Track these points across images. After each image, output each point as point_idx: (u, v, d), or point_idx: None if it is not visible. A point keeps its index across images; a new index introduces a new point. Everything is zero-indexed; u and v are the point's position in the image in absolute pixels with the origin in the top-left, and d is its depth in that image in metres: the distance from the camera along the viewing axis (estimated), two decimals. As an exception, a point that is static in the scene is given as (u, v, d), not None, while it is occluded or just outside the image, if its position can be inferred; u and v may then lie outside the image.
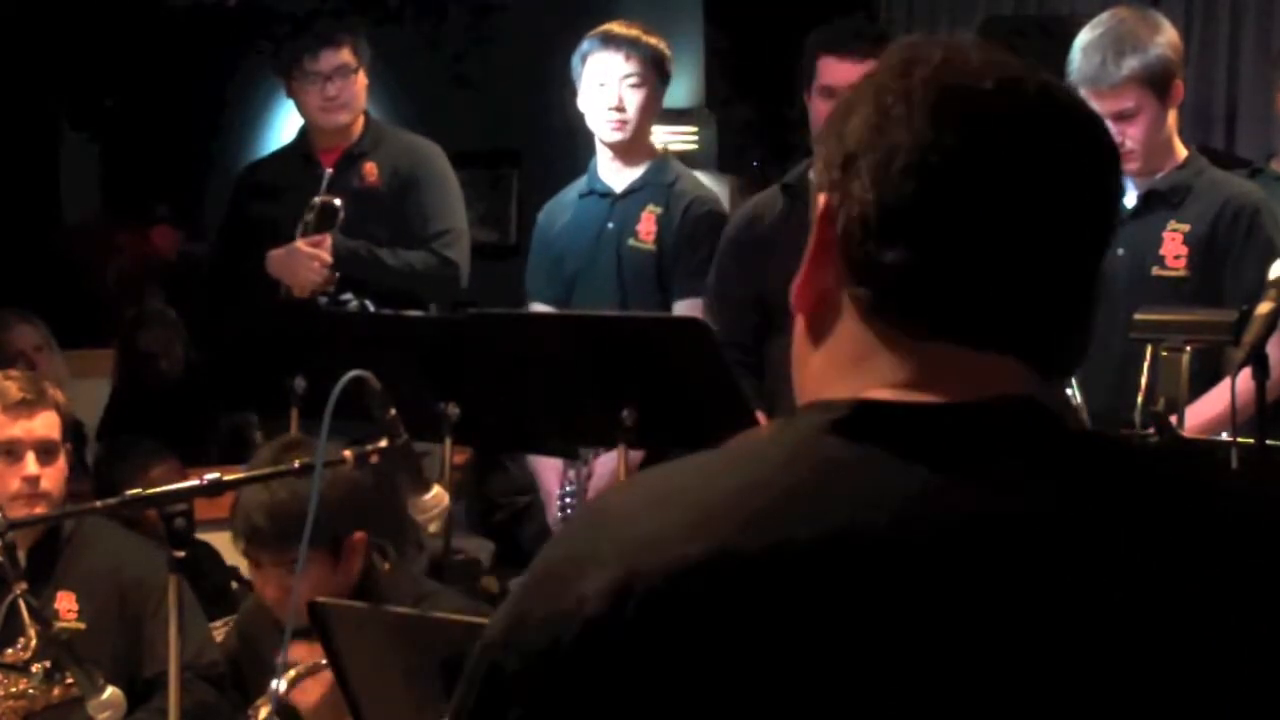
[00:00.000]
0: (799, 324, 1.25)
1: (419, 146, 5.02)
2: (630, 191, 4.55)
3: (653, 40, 4.52)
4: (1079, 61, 4.02)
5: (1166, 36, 4.06)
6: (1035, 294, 1.19)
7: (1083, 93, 4.04)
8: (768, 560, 1.11)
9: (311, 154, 4.94)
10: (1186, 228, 4.07)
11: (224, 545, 4.75)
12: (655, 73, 4.49)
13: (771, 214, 4.29)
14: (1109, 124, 4.06)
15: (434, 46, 8.31)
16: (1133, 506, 1.19)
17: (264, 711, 2.92)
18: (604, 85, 4.46)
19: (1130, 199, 4.18)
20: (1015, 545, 1.14)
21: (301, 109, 4.95)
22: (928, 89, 1.20)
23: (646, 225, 4.51)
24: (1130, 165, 4.10)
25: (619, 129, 4.48)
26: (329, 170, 4.89)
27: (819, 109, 4.22)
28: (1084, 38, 4.05)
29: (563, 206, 4.70)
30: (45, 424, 3.63)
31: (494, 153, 8.29)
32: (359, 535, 3.22)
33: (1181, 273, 4.06)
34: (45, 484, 3.59)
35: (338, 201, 4.81)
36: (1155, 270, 4.08)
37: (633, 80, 4.47)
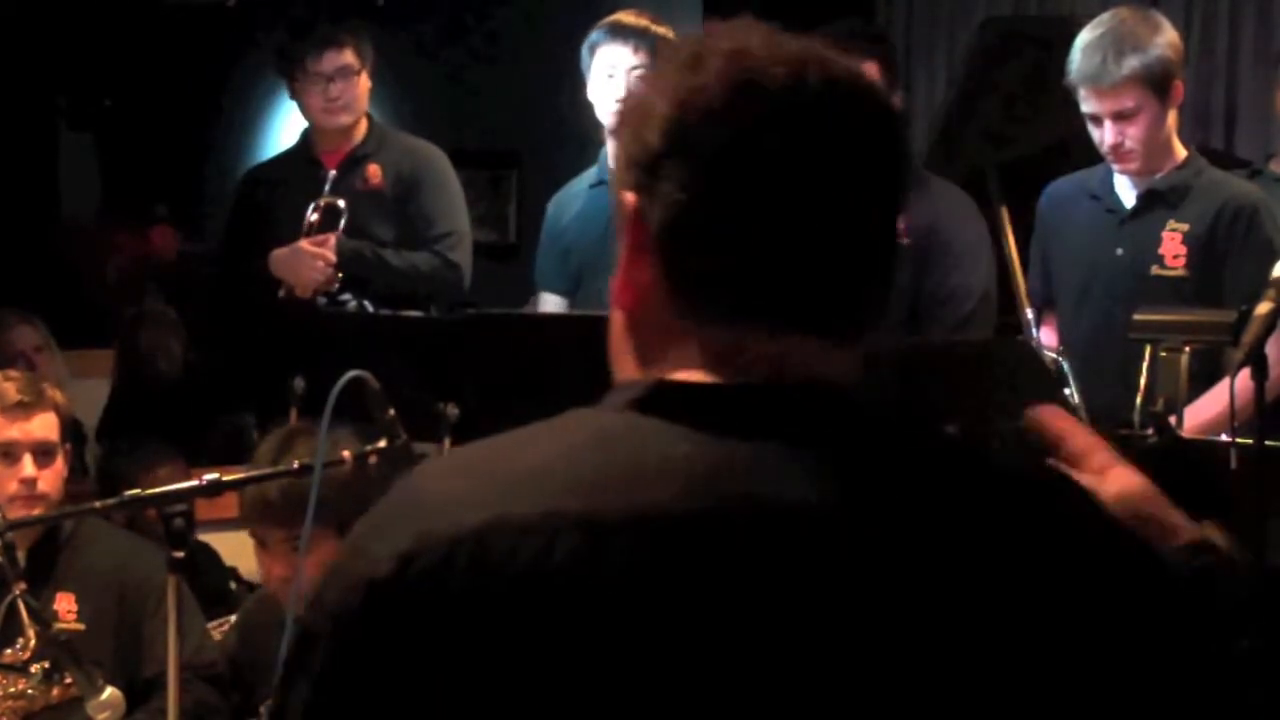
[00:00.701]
0: (617, 319, 1.33)
1: (422, 149, 5.03)
2: None
3: (661, 31, 4.52)
4: (1079, 61, 4.02)
5: (1166, 37, 4.06)
6: (835, 277, 1.25)
7: (1082, 92, 4.04)
8: (536, 527, 1.16)
9: (315, 156, 4.95)
10: (1185, 227, 4.08)
11: (223, 545, 4.75)
12: None
13: None
14: (1108, 124, 4.11)
15: (434, 46, 8.30)
16: (897, 491, 1.22)
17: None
18: (613, 76, 4.46)
19: (1129, 199, 4.18)
20: (776, 527, 1.18)
21: (304, 110, 4.96)
22: (720, 85, 1.24)
23: None
24: (1130, 165, 4.10)
25: None
26: (332, 172, 4.90)
27: None
28: (1084, 37, 4.05)
29: (573, 197, 4.70)
30: (43, 426, 3.63)
31: (494, 153, 8.29)
32: None
33: (1180, 272, 4.07)
34: (43, 485, 3.59)
35: (341, 203, 4.81)
36: (1154, 270, 4.08)
37: (641, 71, 4.45)
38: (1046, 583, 1.21)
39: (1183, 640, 1.27)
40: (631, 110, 1.28)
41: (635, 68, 4.46)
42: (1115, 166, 4.13)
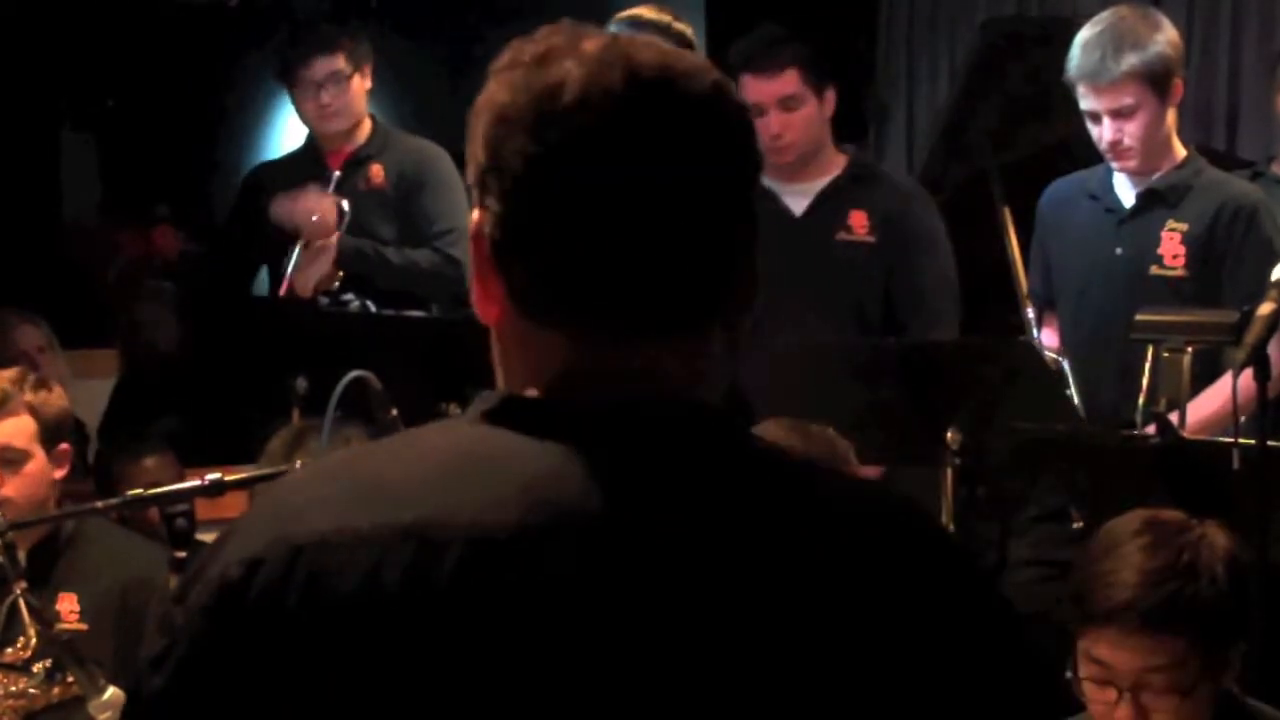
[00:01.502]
0: (493, 333, 1.35)
1: (424, 149, 5.05)
2: None
3: (681, 27, 4.56)
4: (1078, 57, 4.02)
5: (1167, 35, 4.06)
6: (652, 279, 1.24)
7: (1081, 89, 4.04)
8: (370, 539, 1.19)
9: (319, 157, 4.97)
10: (1185, 227, 4.08)
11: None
12: None
13: None
14: (1107, 120, 4.11)
15: (434, 46, 8.30)
16: (696, 500, 1.22)
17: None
18: None
19: (1128, 198, 4.18)
20: (579, 539, 1.19)
21: (300, 116, 4.98)
22: (522, 95, 1.25)
23: None
24: (1128, 162, 4.10)
25: None
26: (336, 173, 4.92)
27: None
28: (1084, 34, 4.05)
29: None
30: (9, 431, 3.59)
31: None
32: None
33: (1179, 272, 4.07)
34: (6, 491, 3.55)
35: (345, 204, 4.82)
36: (1154, 269, 4.08)
37: None
38: (845, 596, 1.22)
39: (982, 637, 1.27)
40: (472, 121, 1.30)
41: None
42: (1114, 164, 4.12)
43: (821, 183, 4.48)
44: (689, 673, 1.18)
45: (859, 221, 4.46)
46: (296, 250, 4.79)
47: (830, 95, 4.43)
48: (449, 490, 1.21)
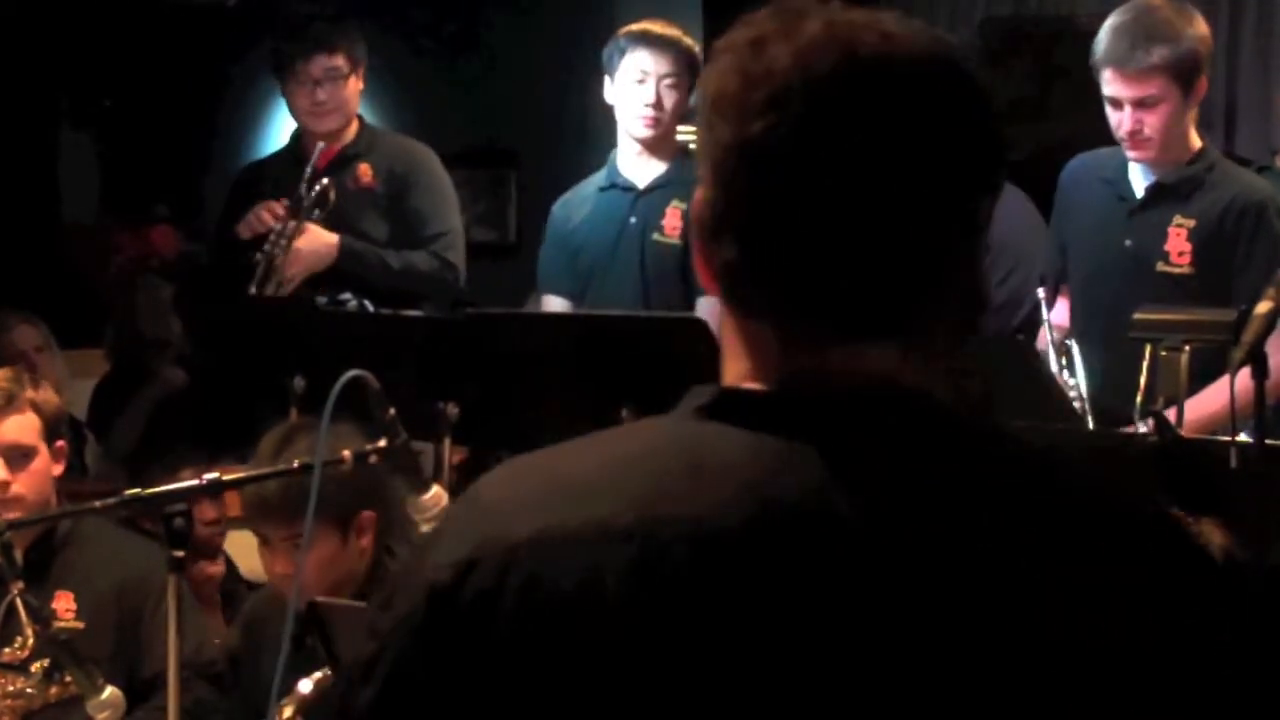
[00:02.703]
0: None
1: (412, 148, 5.05)
2: (654, 187, 4.59)
3: (689, 42, 4.60)
4: (1107, 41, 3.98)
5: (1199, 30, 4.02)
6: (886, 276, 1.18)
7: (1106, 74, 3.99)
8: (588, 539, 1.15)
9: (304, 155, 4.94)
10: (1192, 223, 4.05)
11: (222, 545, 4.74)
12: (690, 74, 4.54)
13: None
14: (1128, 109, 4.06)
15: (434, 46, 8.30)
16: (945, 502, 1.17)
17: (288, 711, 2.90)
18: (643, 82, 4.51)
19: (1140, 188, 4.15)
20: (823, 540, 1.14)
21: (292, 111, 4.98)
22: (735, 81, 1.19)
23: (672, 220, 4.53)
24: (1145, 153, 4.06)
25: (652, 126, 4.54)
26: (310, 168, 4.89)
27: None
28: (1115, 20, 4.01)
29: (581, 200, 4.72)
30: (16, 428, 3.60)
31: (493, 153, 8.28)
32: (367, 514, 3.22)
33: (1186, 270, 4.05)
34: (16, 489, 3.56)
35: (331, 193, 4.82)
36: (1160, 266, 4.06)
37: (670, 80, 4.52)
38: (1103, 603, 1.17)
39: (1241, 643, 1.22)
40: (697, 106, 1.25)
41: (666, 76, 4.51)
42: (1130, 154, 4.08)
43: None
44: (933, 672, 1.13)
45: None
46: (261, 264, 4.79)
47: None
48: (668, 488, 1.16)
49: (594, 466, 1.20)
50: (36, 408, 3.65)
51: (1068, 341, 4.17)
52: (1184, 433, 3.38)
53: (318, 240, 4.80)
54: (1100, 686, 1.15)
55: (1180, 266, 4.05)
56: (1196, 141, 4.11)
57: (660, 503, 1.15)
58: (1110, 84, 3.99)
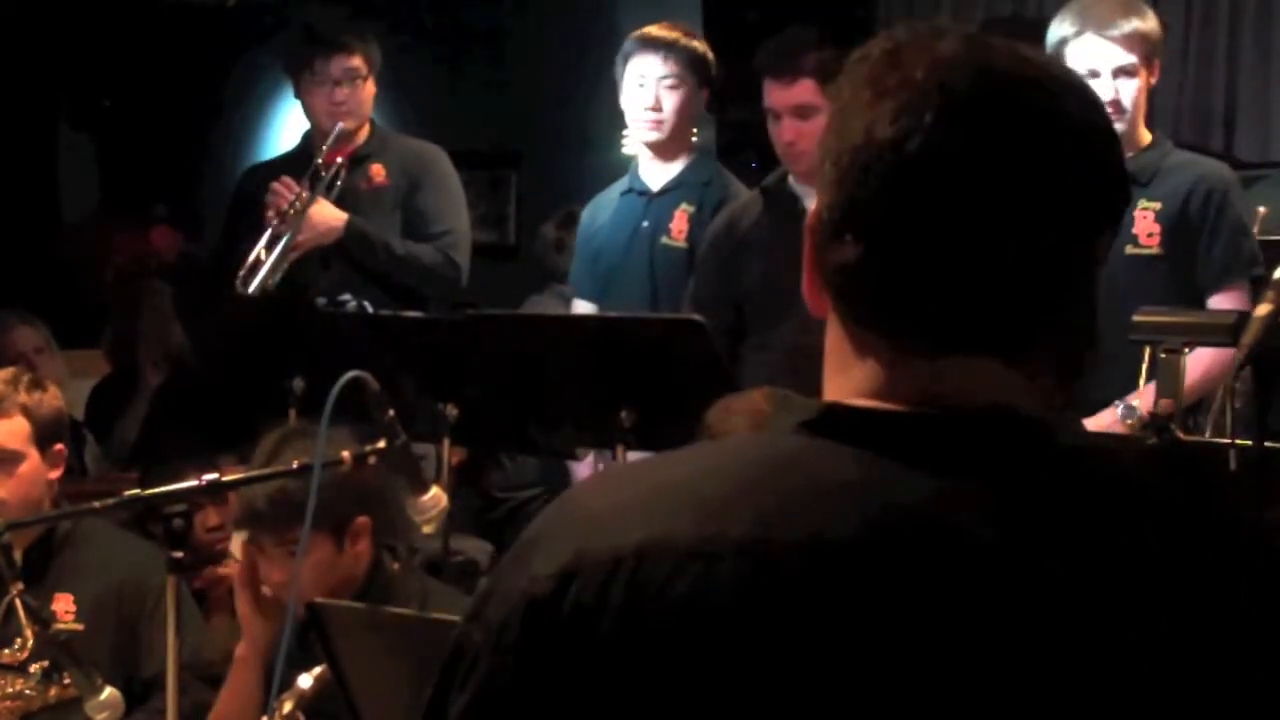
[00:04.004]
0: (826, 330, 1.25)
1: (424, 150, 5.10)
2: (666, 190, 4.63)
3: (693, 43, 4.61)
4: (1089, 8, 4.01)
5: (1153, 18, 4.12)
6: (1006, 293, 1.17)
7: (1086, 39, 4.02)
8: (698, 550, 1.11)
9: (315, 157, 4.95)
10: (1158, 205, 4.09)
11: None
12: (694, 74, 4.55)
13: (749, 217, 4.33)
14: (1107, 78, 4.09)
15: (434, 46, 8.31)
16: (1064, 527, 1.15)
17: (288, 706, 2.90)
18: (643, 86, 4.55)
19: None
20: (947, 561, 1.12)
21: (308, 110, 5.00)
22: (865, 93, 1.18)
23: (679, 224, 4.57)
24: (1118, 124, 4.09)
25: (654, 129, 4.57)
26: (316, 161, 4.91)
27: (771, 129, 4.28)
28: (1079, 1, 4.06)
29: (605, 203, 4.79)
30: (2, 432, 3.59)
31: (494, 153, 8.29)
32: (362, 519, 3.21)
33: (1155, 250, 4.08)
34: (0, 493, 3.55)
35: (342, 170, 4.86)
36: (1129, 249, 4.08)
37: (670, 82, 4.55)
38: (1226, 630, 1.16)
39: None
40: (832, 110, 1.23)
41: (664, 77, 4.54)
42: None
43: None
44: (1046, 696, 1.11)
45: None
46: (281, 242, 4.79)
47: None
48: (778, 502, 1.13)
49: (698, 477, 1.17)
50: (27, 412, 3.61)
51: None
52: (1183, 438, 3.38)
53: (329, 213, 4.83)
54: (1213, 709, 1.15)
55: (1150, 248, 4.08)
56: (1146, 131, 4.15)
57: (771, 516, 1.12)
58: (1087, 53, 4.01)
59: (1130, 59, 4.00)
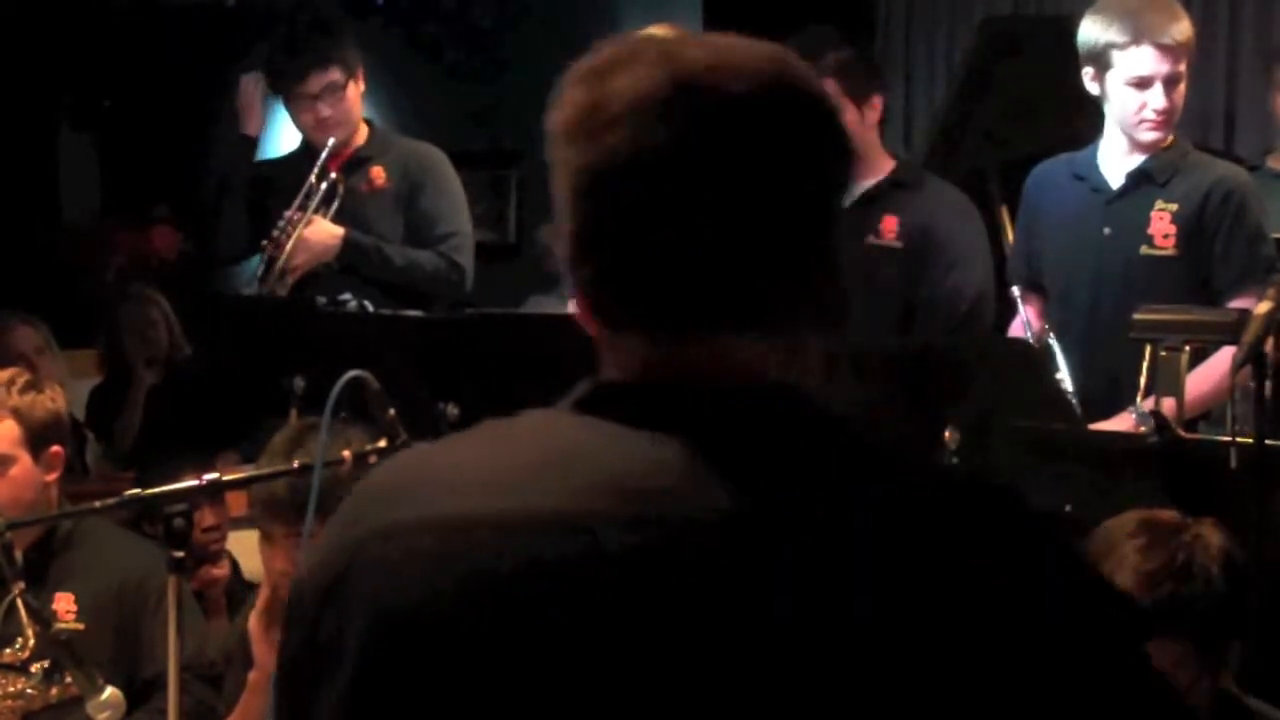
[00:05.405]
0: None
1: (424, 151, 5.07)
2: None
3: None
4: (1144, 16, 3.97)
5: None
6: (725, 273, 1.23)
7: (1142, 49, 3.98)
8: (448, 527, 1.21)
9: (315, 159, 4.93)
10: (1175, 207, 4.08)
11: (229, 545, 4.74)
12: None
13: None
14: (1159, 86, 4.11)
15: (434, 46, 8.30)
16: (816, 491, 1.20)
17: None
18: None
19: (1115, 178, 4.17)
20: (687, 530, 1.17)
21: (297, 127, 4.98)
22: (575, 112, 1.30)
23: None
24: (1164, 135, 4.07)
25: None
26: (334, 175, 4.90)
27: None
28: (1128, 3, 4.02)
29: None
30: None
31: (494, 153, 8.28)
32: None
33: (1170, 252, 4.07)
34: None
35: (340, 186, 4.84)
36: (1143, 250, 4.08)
37: None
38: (968, 598, 1.18)
39: (1106, 653, 1.22)
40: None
41: None
42: (1145, 136, 4.07)
43: (863, 187, 4.53)
44: (794, 666, 1.15)
45: (889, 227, 4.51)
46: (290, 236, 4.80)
47: (876, 102, 4.52)
48: (522, 480, 1.22)
49: (459, 458, 1.26)
50: (18, 415, 3.58)
51: (1047, 339, 4.19)
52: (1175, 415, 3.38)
53: (324, 231, 4.81)
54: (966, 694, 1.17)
55: (1165, 249, 4.07)
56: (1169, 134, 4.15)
57: (517, 491, 1.20)
58: (1143, 61, 3.98)
59: (1180, 68, 3.99)
